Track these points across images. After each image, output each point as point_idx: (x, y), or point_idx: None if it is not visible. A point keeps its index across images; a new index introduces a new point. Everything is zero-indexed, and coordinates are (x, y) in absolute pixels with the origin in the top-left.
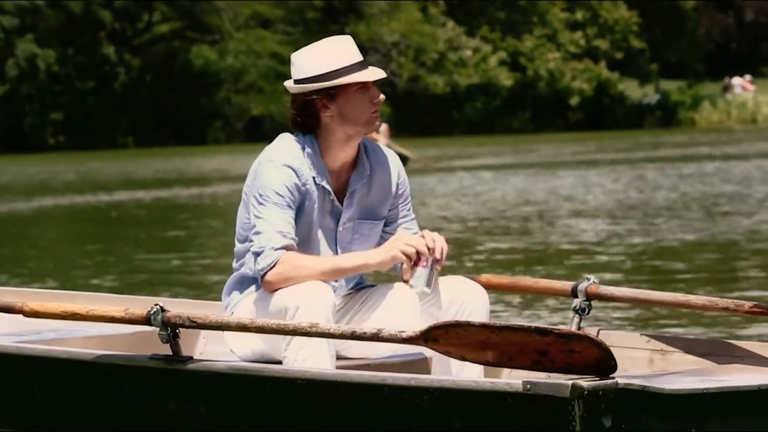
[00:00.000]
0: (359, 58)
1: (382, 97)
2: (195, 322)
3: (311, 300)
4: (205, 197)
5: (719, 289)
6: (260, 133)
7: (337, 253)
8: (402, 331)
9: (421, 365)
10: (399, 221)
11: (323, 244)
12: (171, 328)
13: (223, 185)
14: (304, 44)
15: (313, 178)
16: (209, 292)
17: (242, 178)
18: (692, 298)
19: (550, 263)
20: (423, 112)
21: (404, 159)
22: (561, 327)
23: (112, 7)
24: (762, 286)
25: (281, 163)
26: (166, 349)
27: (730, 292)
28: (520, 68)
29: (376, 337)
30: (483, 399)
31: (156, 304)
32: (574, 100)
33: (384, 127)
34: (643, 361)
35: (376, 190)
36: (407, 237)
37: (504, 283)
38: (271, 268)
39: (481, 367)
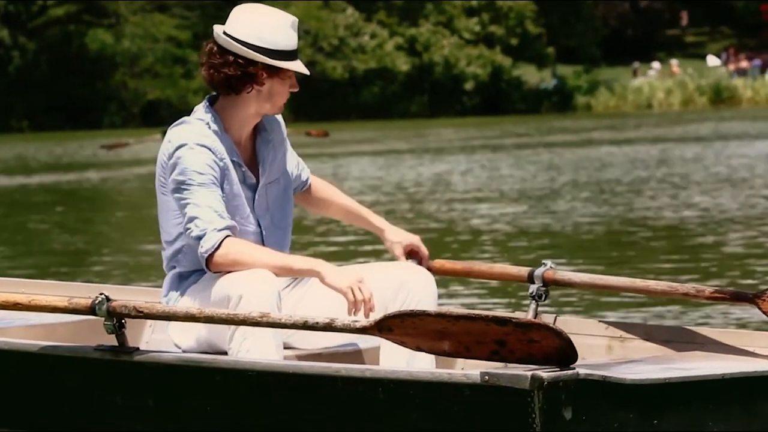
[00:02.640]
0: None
1: (297, 88)
2: (141, 311)
3: (255, 288)
4: (97, 182)
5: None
6: (156, 118)
7: (257, 223)
8: (356, 321)
9: (373, 354)
10: (296, 171)
11: (242, 210)
12: (116, 318)
13: (120, 170)
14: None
15: (226, 153)
16: (109, 278)
17: (138, 162)
18: (651, 284)
19: (448, 248)
20: (321, 97)
21: None
22: (519, 316)
23: None
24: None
25: (195, 143)
26: (111, 340)
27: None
28: (417, 53)
29: (329, 327)
30: (439, 391)
31: (101, 293)
32: (470, 85)
33: None
34: (601, 349)
35: (279, 149)
36: (367, 283)
37: (458, 268)
38: (216, 249)
39: (432, 357)
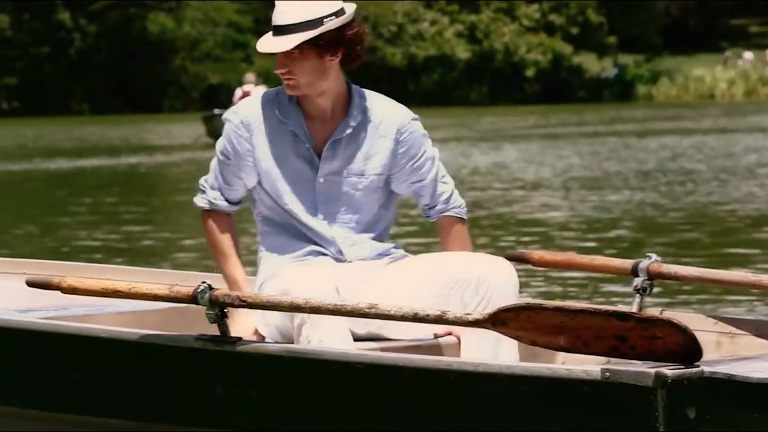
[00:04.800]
0: None
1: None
2: (245, 301)
3: (311, 288)
4: (156, 166)
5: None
6: (216, 102)
7: (315, 205)
8: (468, 314)
9: (454, 349)
10: (405, 181)
11: (298, 190)
12: (219, 308)
13: (176, 154)
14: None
15: (279, 120)
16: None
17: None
18: (765, 278)
19: (509, 236)
20: (379, 83)
21: None
22: (645, 311)
23: None
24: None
25: (232, 112)
26: (204, 328)
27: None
28: (477, 41)
29: (440, 320)
30: (557, 387)
31: (203, 282)
32: (530, 72)
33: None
34: (710, 345)
35: (366, 142)
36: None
37: (558, 260)
38: (202, 214)
39: (517, 351)
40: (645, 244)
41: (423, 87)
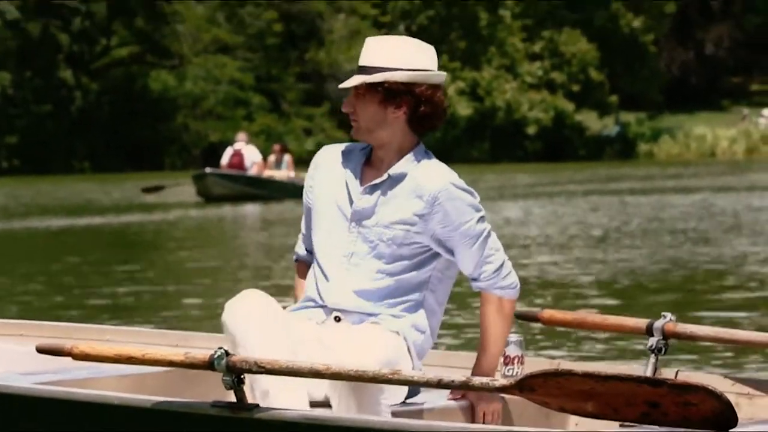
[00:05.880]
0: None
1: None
2: (263, 367)
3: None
4: (162, 223)
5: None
6: (217, 160)
7: (339, 249)
8: (494, 380)
9: (467, 413)
10: (445, 248)
11: (331, 230)
12: (236, 374)
13: (172, 212)
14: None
15: (342, 163)
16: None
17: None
18: None
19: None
20: None
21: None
22: (678, 377)
23: (70, 30)
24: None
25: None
26: (227, 395)
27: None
28: (479, 98)
29: (465, 386)
30: None
31: (220, 347)
32: (532, 129)
33: (288, 158)
34: None
35: (401, 197)
36: None
37: (569, 319)
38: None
39: None
40: (652, 303)
41: (425, 144)
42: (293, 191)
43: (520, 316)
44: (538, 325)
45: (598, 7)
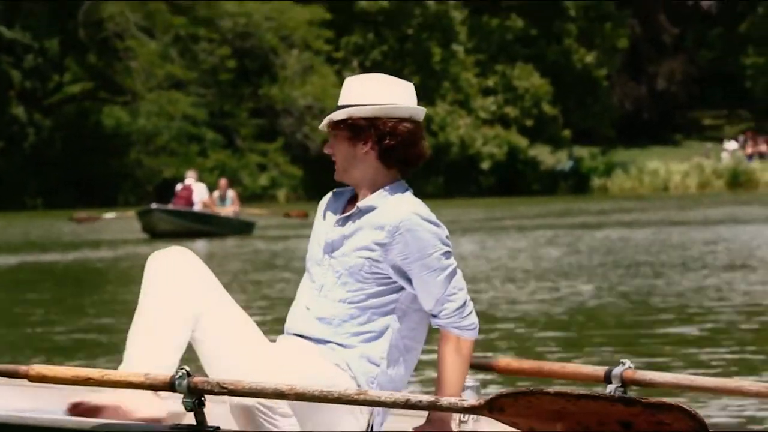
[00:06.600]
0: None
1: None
2: (225, 388)
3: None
4: (112, 260)
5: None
6: (171, 196)
7: (315, 278)
8: (463, 400)
9: None
10: (405, 280)
11: (312, 262)
12: (197, 395)
13: (121, 248)
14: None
15: (333, 201)
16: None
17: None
18: (746, 384)
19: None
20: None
21: (250, 225)
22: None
23: (22, 67)
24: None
25: None
26: (188, 418)
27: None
28: (433, 133)
29: (434, 406)
30: None
31: (182, 368)
32: (486, 164)
33: (232, 193)
34: None
35: (366, 228)
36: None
37: (526, 368)
38: None
39: None
40: (607, 337)
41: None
42: (238, 227)
43: (475, 366)
44: (495, 374)
45: (551, 43)
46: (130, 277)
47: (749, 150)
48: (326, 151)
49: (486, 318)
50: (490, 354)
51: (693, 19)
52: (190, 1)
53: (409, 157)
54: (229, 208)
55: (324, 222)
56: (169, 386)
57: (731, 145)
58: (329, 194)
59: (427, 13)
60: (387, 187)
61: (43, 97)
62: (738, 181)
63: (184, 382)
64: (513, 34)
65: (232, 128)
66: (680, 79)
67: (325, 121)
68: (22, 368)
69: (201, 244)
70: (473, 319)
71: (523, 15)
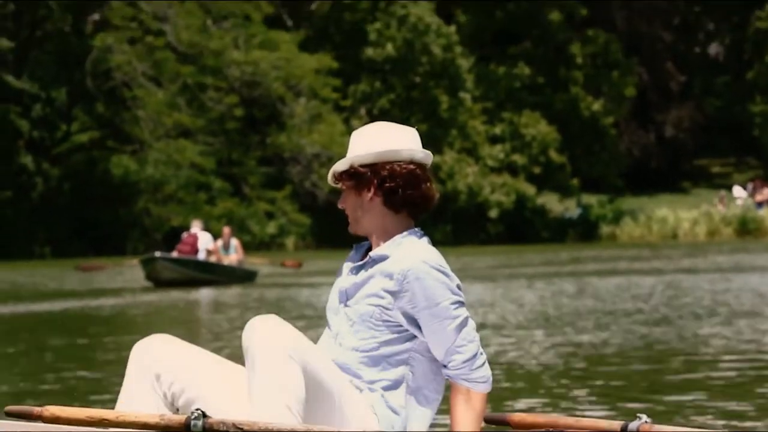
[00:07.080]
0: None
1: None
2: (241, 428)
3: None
4: (119, 307)
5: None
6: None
7: (332, 326)
8: None
9: None
10: (417, 329)
11: (332, 311)
12: None
13: (129, 296)
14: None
15: (352, 257)
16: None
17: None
18: None
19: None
20: (345, 225)
21: (253, 274)
22: None
23: (30, 117)
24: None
25: None
26: None
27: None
28: (441, 181)
29: None
30: None
31: (197, 409)
32: (494, 213)
33: (235, 242)
34: None
35: (377, 276)
36: None
37: (540, 422)
38: None
39: None
40: (618, 389)
41: None
42: (241, 276)
43: (489, 420)
44: (509, 429)
45: (558, 90)
46: (135, 324)
47: (758, 198)
48: (339, 206)
49: (496, 368)
50: (504, 412)
51: (700, 67)
52: (198, 50)
53: (413, 198)
54: (233, 256)
55: (342, 274)
56: (185, 427)
57: (739, 191)
58: (354, 248)
59: (434, 61)
60: (400, 235)
61: (51, 147)
62: (747, 228)
63: (200, 423)
64: (520, 81)
65: (240, 176)
66: (688, 127)
67: (330, 174)
68: (36, 409)
69: (206, 292)
70: (485, 371)
71: (529, 63)
